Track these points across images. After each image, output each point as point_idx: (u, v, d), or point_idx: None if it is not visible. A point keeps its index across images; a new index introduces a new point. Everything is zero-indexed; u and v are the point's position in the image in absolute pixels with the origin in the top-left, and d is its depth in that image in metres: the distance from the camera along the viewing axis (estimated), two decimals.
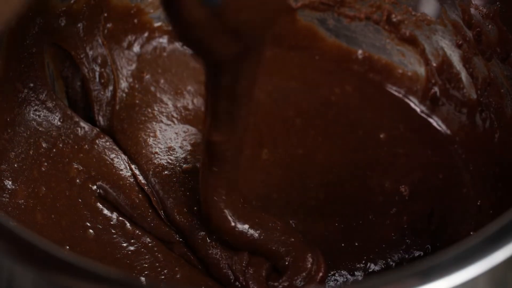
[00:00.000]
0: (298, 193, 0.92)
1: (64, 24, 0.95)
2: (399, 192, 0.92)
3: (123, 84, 1.00)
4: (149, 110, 0.98)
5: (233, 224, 0.83)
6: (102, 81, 0.99)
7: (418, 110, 1.02)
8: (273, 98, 1.02)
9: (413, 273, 0.59)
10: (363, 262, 0.86)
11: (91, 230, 0.85)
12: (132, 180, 0.90)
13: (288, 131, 0.98)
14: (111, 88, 0.99)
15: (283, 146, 0.96)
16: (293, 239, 0.84)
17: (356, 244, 0.87)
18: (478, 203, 0.91)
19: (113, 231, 0.85)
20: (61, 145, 0.92)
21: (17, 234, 0.62)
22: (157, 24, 1.06)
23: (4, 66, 0.89)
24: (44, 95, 0.94)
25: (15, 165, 0.89)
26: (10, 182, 0.88)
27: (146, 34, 1.05)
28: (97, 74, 0.99)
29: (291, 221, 0.88)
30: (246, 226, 0.83)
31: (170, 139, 0.95)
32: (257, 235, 0.83)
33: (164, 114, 0.98)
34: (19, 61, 0.91)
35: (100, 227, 0.86)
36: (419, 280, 0.58)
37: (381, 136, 0.98)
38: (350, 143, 0.97)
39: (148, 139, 0.95)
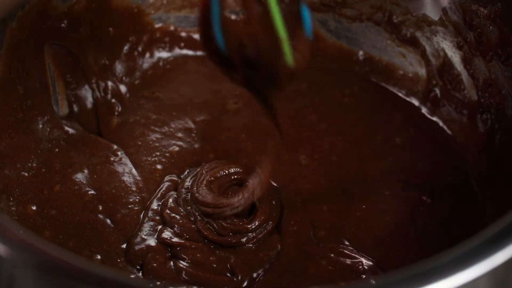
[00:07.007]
0: (345, 204, 0.90)
1: (65, 26, 0.95)
2: (423, 201, 0.91)
3: (133, 106, 0.99)
4: (166, 128, 0.97)
5: None
6: (114, 111, 0.99)
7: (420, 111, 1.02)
8: (291, 101, 1.01)
9: (414, 274, 0.59)
10: None
11: (98, 256, 0.83)
12: (140, 207, 0.88)
13: (317, 136, 0.97)
14: (119, 111, 0.99)
15: (318, 152, 0.95)
16: None
17: (401, 254, 0.85)
18: (479, 205, 0.91)
19: (118, 260, 0.83)
20: (77, 165, 0.91)
21: (17, 234, 0.62)
22: (158, 25, 1.06)
23: (4, 67, 0.88)
24: (52, 122, 0.94)
25: (24, 180, 0.88)
26: (18, 193, 0.87)
27: (147, 36, 1.05)
28: (106, 101, 0.99)
29: (343, 239, 0.86)
30: None
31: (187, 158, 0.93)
32: None
33: (182, 130, 0.97)
34: (20, 63, 0.90)
35: (106, 253, 0.84)
36: (420, 281, 0.58)
37: (397, 140, 0.98)
38: (374, 150, 0.96)
39: (163, 159, 0.93)
